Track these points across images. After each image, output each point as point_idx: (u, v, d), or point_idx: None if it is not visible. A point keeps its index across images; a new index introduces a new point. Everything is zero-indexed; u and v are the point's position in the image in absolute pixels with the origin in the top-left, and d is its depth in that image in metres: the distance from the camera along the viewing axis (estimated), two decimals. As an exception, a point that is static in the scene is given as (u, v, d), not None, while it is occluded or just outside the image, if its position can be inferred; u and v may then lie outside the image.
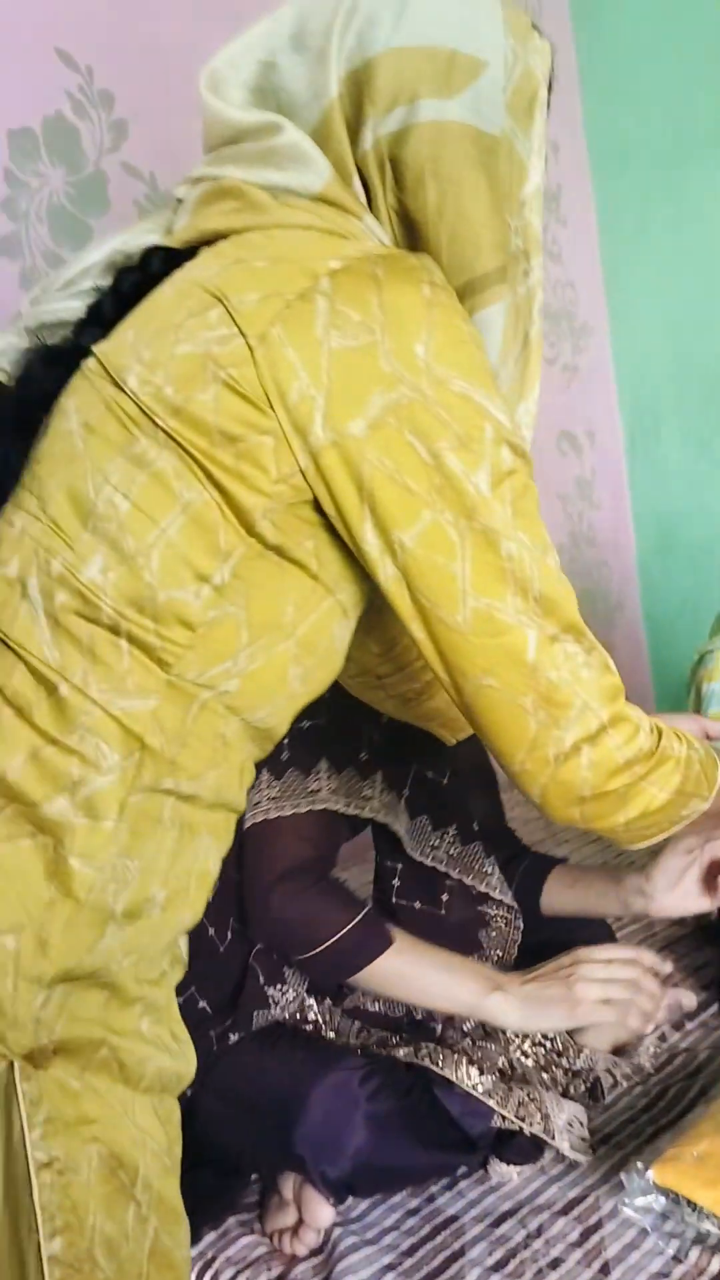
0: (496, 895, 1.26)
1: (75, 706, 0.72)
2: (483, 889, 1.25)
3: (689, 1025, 1.37)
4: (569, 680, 0.78)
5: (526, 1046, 1.20)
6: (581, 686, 0.79)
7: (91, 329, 0.79)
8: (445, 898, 1.23)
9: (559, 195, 2.38)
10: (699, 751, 0.89)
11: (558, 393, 2.45)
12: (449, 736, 1.12)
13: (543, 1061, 1.19)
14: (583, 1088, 1.21)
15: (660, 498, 2.57)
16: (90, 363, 0.77)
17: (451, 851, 1.22)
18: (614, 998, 1.09)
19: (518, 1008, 1.09)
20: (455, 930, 1.22)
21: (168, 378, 0.72)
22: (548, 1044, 1.22)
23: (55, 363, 0.79)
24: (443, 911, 1.23)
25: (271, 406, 0.71)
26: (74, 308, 0.81)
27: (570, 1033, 1.28)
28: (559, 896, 1.41)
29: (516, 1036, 1.17)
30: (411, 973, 1.06)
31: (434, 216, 0.79)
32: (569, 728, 0.79)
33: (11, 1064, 0.69)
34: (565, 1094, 1.19)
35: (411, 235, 0.81)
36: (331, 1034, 1.16)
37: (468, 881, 1.21)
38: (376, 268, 0.73)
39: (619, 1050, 1.23)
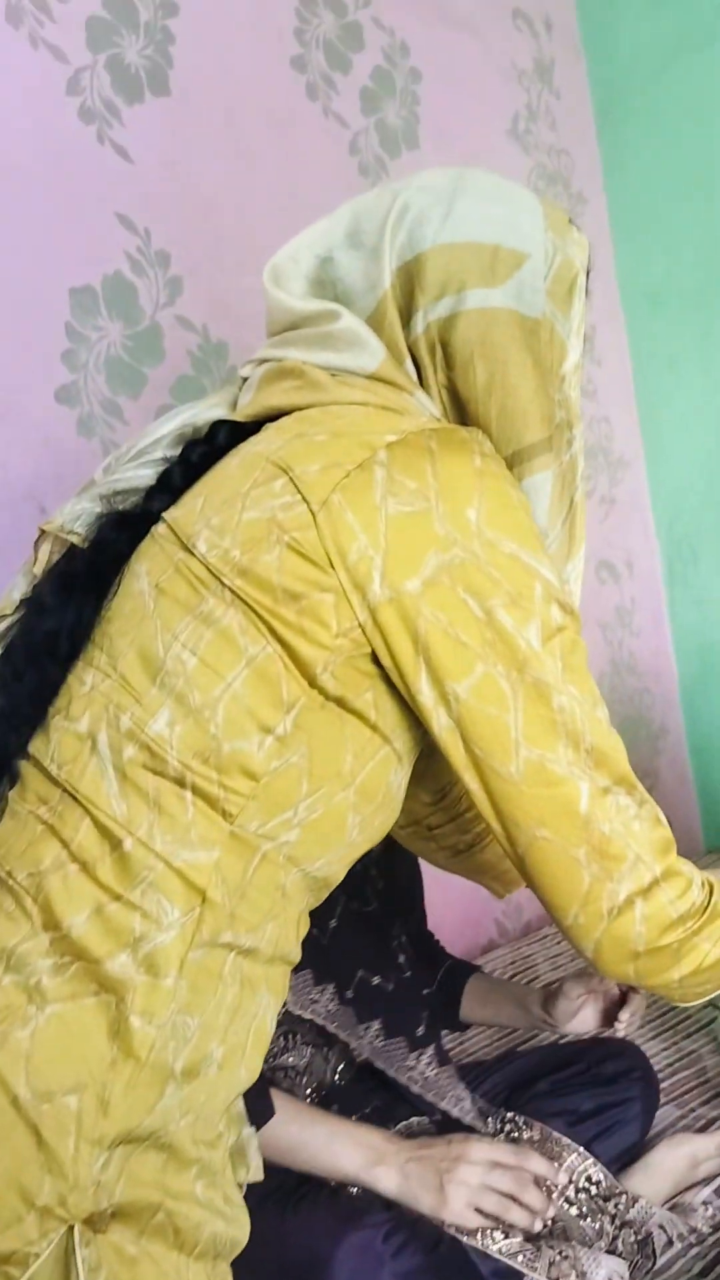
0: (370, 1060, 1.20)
1: (139, 861, 0.73)
2: (354, 1049, 1.19)
3: (751, 1181, 1.32)
4: (621, 833, 0.79)
5: (570, 1193, 1.16)
6: (634, 839, 0.80)
7: (161, 496, 0.84)
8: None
9: (593, 336, 2.46)
10: None
11: (596, 523, 2.49)
12: (500, 890, 1.11)
13: (585, 1209, 1.15)
14: (632, 1239, 1.16)
15: (701, 625, 2.58)
16: (161, 528, 0.81)
17: (330, 1008, 1.18)
18: (483, 1208, 1.03)
19: (396, 1185, 1.05)
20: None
21: (235, 541, 0.76)
22: (593, 1188, 1.18)
23: (127, 527, 0.84)
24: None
25: (332, 566, 0.75)
26: (145, 476, 0.87)
27: (619, 1176, 1.24)
28: (474, 1010, 1.41)
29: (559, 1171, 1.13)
30: (297, 1143, 1.04)
31: (483, 393, 0.84)
32: (622, 881, 0.79)
33: (71, 1228, 0.68)
34: (612, 1247, 1.14)
35: (460, 410, 0.86)
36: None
37: (342, 1036, 1.16)
38: (430, 440, 0.78)
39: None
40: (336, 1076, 1.16)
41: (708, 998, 0.89)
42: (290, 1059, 1.16)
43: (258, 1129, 0.99)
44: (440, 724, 0.78)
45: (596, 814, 0.79)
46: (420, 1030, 1.14)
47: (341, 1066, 1.17)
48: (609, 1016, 1.30)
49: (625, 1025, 1.31)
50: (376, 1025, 1.12)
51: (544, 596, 0.78)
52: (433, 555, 0.75)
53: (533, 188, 2.30)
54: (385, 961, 1.16)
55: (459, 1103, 1.13)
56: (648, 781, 2.51)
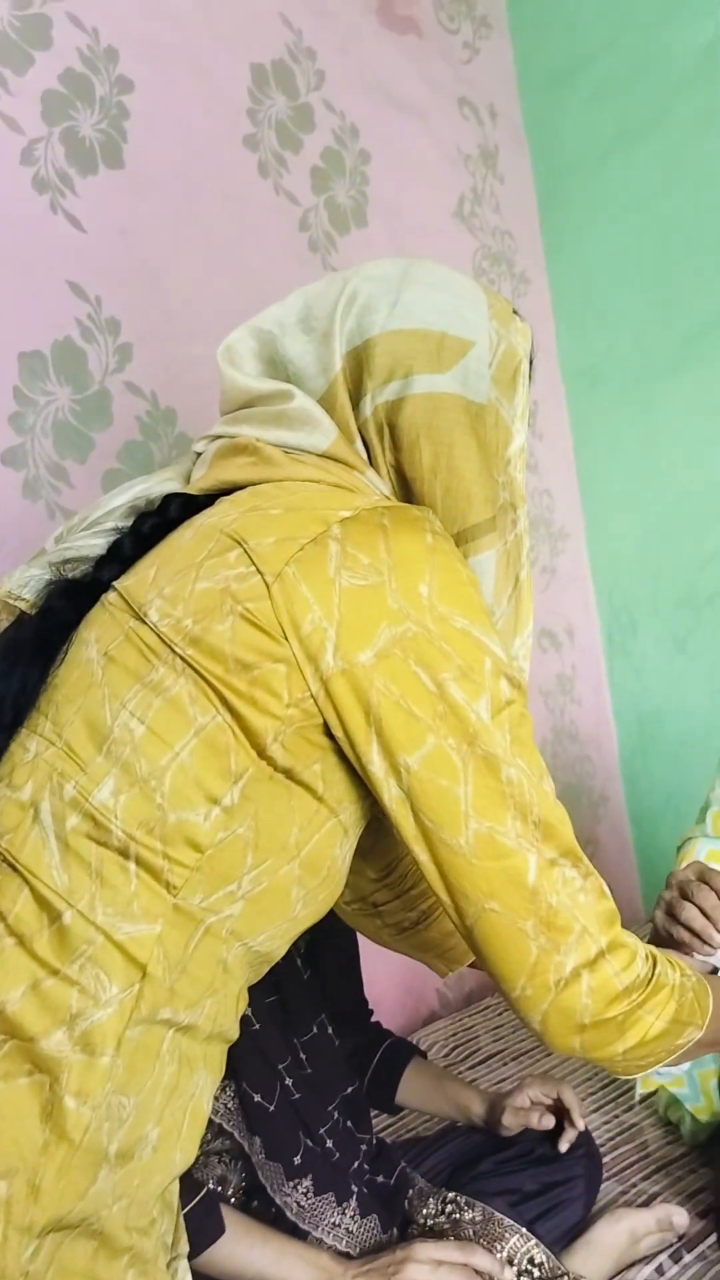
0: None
1: (78, 934, 0.71)
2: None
3: (686, 1257, 1.31)
4: (568, 905, 0.79)
5: (513, 1276, 1.14)
6: (580, 911, 0.80)
7: (111, 565, 0.84)
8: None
9: (535, 411, 2.52)
10: (691, 979, 0.89)
11: (538, 592, 2.53)
12: (443, 968, 1.10)
13: (528, 1293, 1.13)
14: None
15: (640, 695, 2.62)
16: (112, 596, 0.81)
17: (230, 1105, 1.12)
18: None
19: None
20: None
21: (187, 611, 0.76)
22: (535, 1270, 1.16)
23: (75, 595, 0.84)
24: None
25: (285, 637, 0.75)
26: (96, 545, 0.87)
27: (561, 1255, 1.22)
28: (410, 1098, 1.41)
29: (504, 1267, 1.12)
30: (244, 1262, 1.01)
31: (429, 474, 0.87)
32: (569, 953, 0.79)
33: None
34: (557, 1332, 1.12)
35: (408, 490, 0.88)
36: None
37: (237, 1138, 1.12)
38: (383, 517, 0.79)
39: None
40: (230, 1192, 1.11)
41: (647, 1071, 0.89)
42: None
43: (206, 1247, 0.98)
44: (391, 795, 0.78)
45: (544, 886, 0.79)
46: (298, 1159, 1.10)
47: (234, 1182, 1.13)
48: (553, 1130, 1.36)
49: (567, 1143, 1.34)
50: (259, 1142, 1.09)
51: (493, 671, 0.79)
52: (385, 628, 0.76)
53: (478, 268, 2.38)
54: (269, 1081, 1.12)
55: (333, 1229, 1.10)
56: (589, 849, 2.52)
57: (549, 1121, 1.35)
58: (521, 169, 2.53)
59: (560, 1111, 1.37)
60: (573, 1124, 1.35)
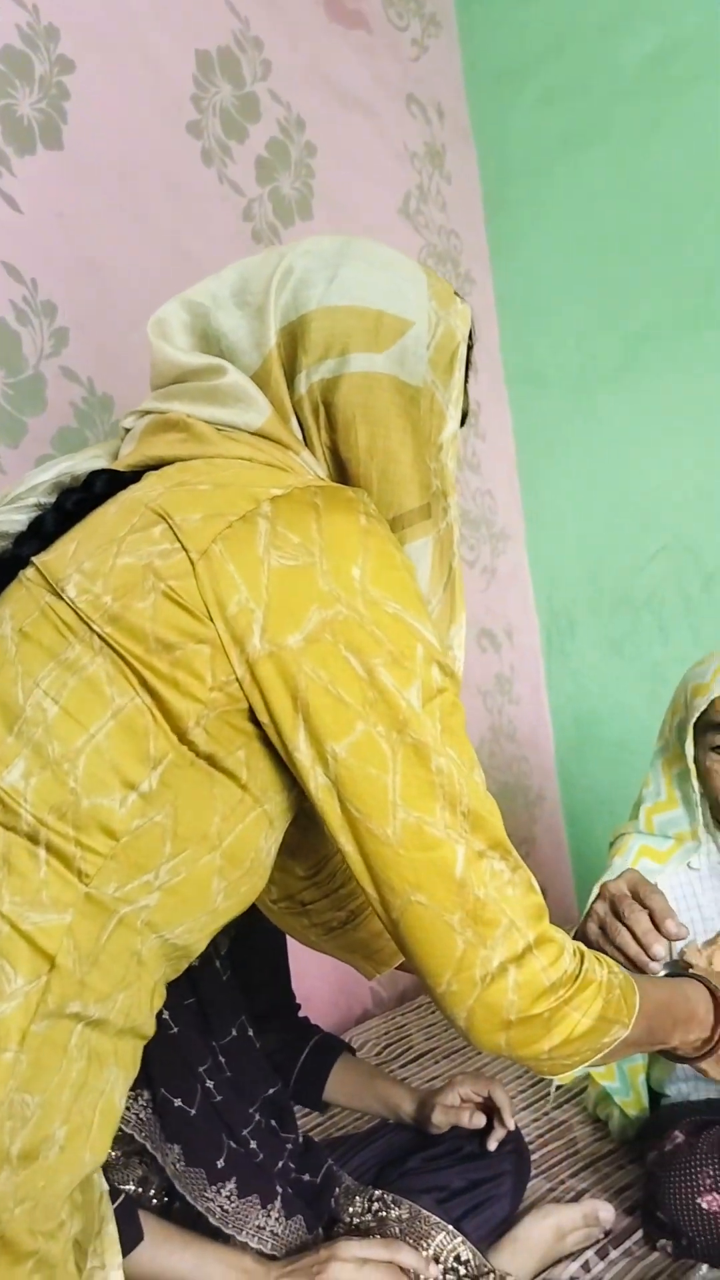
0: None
1: None
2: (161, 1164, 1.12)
3: (613, 1253, 1.31)
4: (495, 898, 0.78)
5: (438, 1274, 1.13)
6: (508, 904, 0.79)
7: (32, 541, 0.81)
8: None
9: (478, 412, 2.53)
10: (619, 976, 0.88)
11: (478, 593, 2.53)
12: (370, 970, 1.08)
13: (451, 1291, 1.12)
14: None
15: (577, 695, 2.63)
16: (29, 571, 0.78)
17: (142, 1115, 1.10)
18: None
19: None
20: None
21: (107, 587, 0.74)
22: (461, 1268, 1.15)
23: None
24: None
25: (211, 617, 0.73)
26: (17, 521, 0.84)
27: (488, 1255, 1.21)
28: (338, 1095, 1.40)
29: (430, 1264, 1.11)
30: (165, 1267, 0.99)
31: (365, 456, 0.85)
32: (495, 947, 0.78)
33: None
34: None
35: (343, 473, 0.86)
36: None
37: (150, 1149, 1.09)
38: (316, 497, 0.77)
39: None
40: (152, 1194, 1.09)
41: (573, 1071, 0.88)
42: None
43: (125, 1254, 0.94)
44: (317, 783, 0.76)
45: (472, 878, 0.77)
46: (221, 1162, 1.08)
47: (157, 1183, 1.10)
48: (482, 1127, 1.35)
49: (495, 1142, 1.34)
50: (178, 1149, 1.07)
51: (425, 658, 0.77)
52: (315, 611, 0.74)
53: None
54: (189, 1084, 1.09)
55: (258, 1232, 1.08)
56: (524, 848, 2.53)
57: (479, 1120, 1.34)
58: (468, 169, 2.53)
59: (490, 1110, 1.36)
60: (502, 1123, 1.35)
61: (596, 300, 2.38)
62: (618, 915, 1.11)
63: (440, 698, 0.78)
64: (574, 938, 1.24)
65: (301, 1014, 1.43)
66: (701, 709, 1.50)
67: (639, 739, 2.51)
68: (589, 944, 1.15)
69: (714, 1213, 1.25)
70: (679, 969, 1.09)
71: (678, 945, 1.13)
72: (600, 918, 1.13)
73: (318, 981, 2.02)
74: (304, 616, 0.74)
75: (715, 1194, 1.26)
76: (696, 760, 1.53)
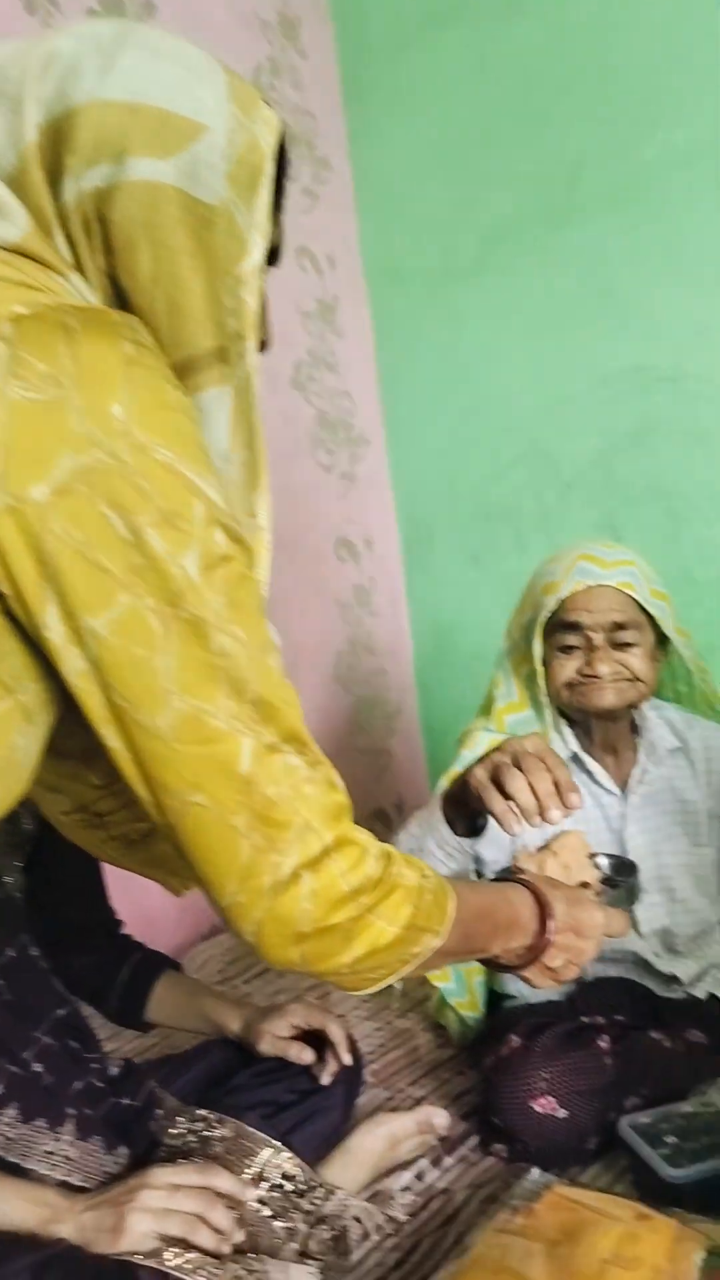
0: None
1: None
2: None
3: (447, 1160, 1.29)
4: (289, 796, 0.70)
5: (263, 1191, 1.08)
6: (303, 804, 0.71)
7: None
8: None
9: (336, 307, 2.41)
10: (431, 880, 0.81)
11: (335, 500, 2.45)
12: (177, 886, 0.97)
13: (278, 1208, 1.07)
14: (326, 1237, 1.10)
15: (436, 607, 2.58)
16: None
17: None
18: (167, 1232, 0.92)
19: (74, 1238, 0.93)
20: None
21: None
22: (287, 1184, 1.11)
23: None
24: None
25: None
26: None
27: (318, 1169, 1.18)
28: (162, 1013, 1.33)
29: (255, 1181, 1.06)
30: None
31: (148, 284, 0.72)
32: (288, 851, 0.70)
33: None
34: (305, 1250, 1.07)
35: (124, 304, 0.73)
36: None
37: None
38: (69, 318, 0.65)
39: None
40: None
41: (380, 985, 0.81)
42: None
43: None
44: (73, 667, 0.66)
45: (260, 775, 0.69)
46: (1, 1087, 0.98)
47: None
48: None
49: (329, 1077, 1.27)
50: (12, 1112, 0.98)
51: (206, 519, 0.67)
52: (66, 457, 0.63)
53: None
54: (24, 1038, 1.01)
55: (49, 1158, 1.00)
56: (381, 761, 2.49)
57: (308, 1056, 1.27)
58: (325, 45, 2.38)
59: (322, 1040, 1.30)
60: (336, 1057, 1.29)
61: (455, 191, 2.28)
62: (519, 767, 1.04)
63: (225, 566, 0.68)
64: (455, 783, 1.16)
65: (126, 931, 1.35)
66: (552, 608, 1.46)
67: (495, 650, 2.49)
68: (473, 789, 1.09)
69: (547, 1115, 1.24)
70: (508, 874, 1.03)
71: (550, 830, 1.07)
72: (495, 764, 1.06)
73: (163, 899, 1.94)
74: (52, 463, 0.62)
75: (548, 1097, 1.24)
76: (546, 660, 1.49)
